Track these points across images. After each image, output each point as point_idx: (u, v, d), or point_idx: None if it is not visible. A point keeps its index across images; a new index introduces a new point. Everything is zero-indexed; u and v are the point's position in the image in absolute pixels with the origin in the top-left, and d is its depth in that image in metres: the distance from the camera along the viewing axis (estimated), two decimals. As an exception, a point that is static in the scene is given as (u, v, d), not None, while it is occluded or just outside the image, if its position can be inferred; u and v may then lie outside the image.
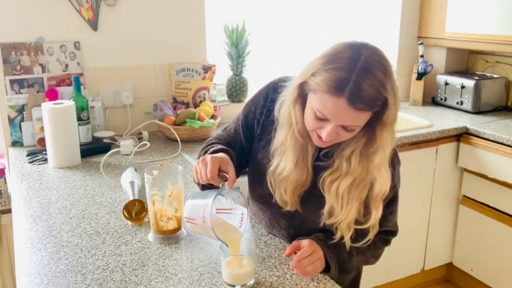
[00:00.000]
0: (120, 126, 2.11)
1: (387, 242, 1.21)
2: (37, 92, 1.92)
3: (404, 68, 2.84)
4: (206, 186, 1.12)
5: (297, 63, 2.37)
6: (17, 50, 1.86)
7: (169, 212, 1.16)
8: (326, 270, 1.09)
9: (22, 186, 1.53)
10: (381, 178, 1.03)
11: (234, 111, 1.50)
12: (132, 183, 1.38)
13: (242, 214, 1.06)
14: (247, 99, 1.73)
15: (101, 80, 2.05)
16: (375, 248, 1.18)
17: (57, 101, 1.72)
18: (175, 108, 2.14)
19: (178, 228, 1.19)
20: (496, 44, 2.34)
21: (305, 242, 1.09)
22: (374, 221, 1.06)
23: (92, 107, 1.99)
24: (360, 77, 0.92)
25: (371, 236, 1.08)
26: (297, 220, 1.18)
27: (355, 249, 1.13)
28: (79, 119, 1.81)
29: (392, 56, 2.81)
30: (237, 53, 2.29)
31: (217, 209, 1.05)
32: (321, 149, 1.11)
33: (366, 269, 1.34)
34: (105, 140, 1.94)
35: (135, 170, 1.56)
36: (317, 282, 1.03)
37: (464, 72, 2.79)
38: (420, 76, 2.73)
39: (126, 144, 1.83)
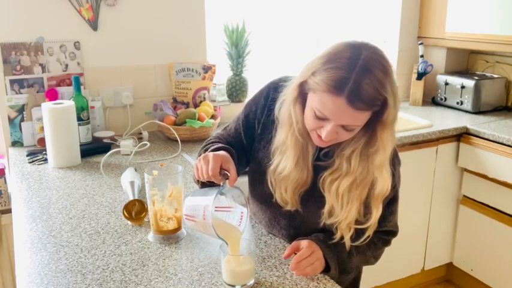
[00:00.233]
0: (120, 126, 2.11)
1: (387, 242, 1.21)
2: (37, 92, 1.92)
3: (404, 68, 2.84)
4: (206, 184, 1.12)
5: (297, 63, 2.37)
6: (17, 50, 1.86)
7: (169, 212, 1.16)
8: (326, 271, 1.09)
9: (22, 186, 1.53)
10: (382, 178, 1.03)
11: (234, 111, 1.50)
12: (132, 183, 1.38)
13: (242, 213, 1.06)
14: (247, 99, 1.74)
15: (101, 80, 2.05)
16: (375, 248, 1.18)
17: (57, 101, 1.72)
18: (175, 108, 2.14)
19: (178, 228, 1.19)
20: (496, 44, 2.34)
21: (304, 243, 1.09)
22: (374, 221, 1.06)
23: (92, 107, 1.99)
24: (359, 77, 0.92)
25: (369, 233, 1.08)
26: (297, 220, 1.18)
27: (355, 249, 1.13)
28: (79, 119, 1.81)
29: (392, 56, 2.81)
30: (237, 53, 2.29)
31: (216, 207, 1.04)
32: (321, 149, 1.11)
33: (366, 269, 1.34)
34: (105, 140, 1.94)
35: (135, 170, 1.56)
36: (317, 282, 1.03)
37: (464, 72, 2.79)
38: (420, 76, 2.73)
39: (126, 144, 1.83)
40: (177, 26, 2.16)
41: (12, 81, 1.88)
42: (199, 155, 1.19)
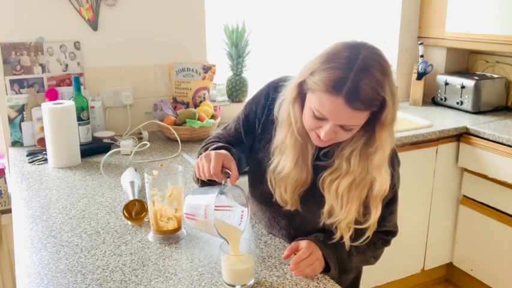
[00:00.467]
0: (120, 126, 2.11)
1: (387, 243, 1.21)
2: (37, 92, 1.92)
3: (404, 68, 2.84)
4: (205, 183, 1.12)
5: (297, 63, 2.37)
6: (17, 50, 1.86)
7: (169, 212, 1.16)
8: (326, 271, 1.09)
9: (22, 186, 1.53)
10: (381, 178, 1.03)
11: (234, 111, 1.50)
12: (132, 183, 1.38)
13: (242, 212, 1.06)
14: (247, 99, 1.74)
15: (101, 80, 2.05)
16: (375, 248, 1.18)
17: (57, 101, 1.72)
18: (175, 108, 2.14)
19: (178, 228, 1.19)
20: (496, 44, 2.34)
21: (303, 244, 1.09)
22: (373, 221, 1.06)
23: (92, 107, 1.99)
24: (357, 77, 0.92)
25: (369, 233, 1.08)
26: (297, 220, 1.18)
27: (354, 249, 1.13)
28: (79, 119, 1.81)
29: (392, 56, 2.81)
30: (237, 53, 2.29)
31: (216, 206, 1.04)
32: (320, 149, 1.11)
33: (366, 269, 1.34)
34: (105, 140, 1.94)
35: (135, 170, 1.56)
36: (317, 282, 1.03)
37: (464, 72, 2.79)
38: (420, 76, 2.73)
39: (126, 144, 1.83)
40: (177, 26, 2.16)
41: (12, 81, 1.88)
42: (199, 155, 1.19)
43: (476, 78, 2.53)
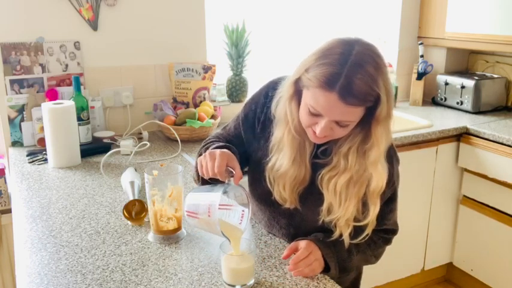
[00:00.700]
0: (120, 126, 2.11)
1: (388, 241, 1.21)
2: (37, 92, 1.92)
3: (404, 68, 2.84)
4: (206, 182, 1.12)
5: (297, 63, 2.37)
6: (17, 50, 1.86)
7: (169, 212, 1.16)
8: (326, 270, 1.09)
9: (22, 186, 1.53)
10: (377, 174, 1.03)
11: (234, 111, 1.50)
12: (132, 183, 1.38)
13: (243, 211, 1.06)
14: (247, 99, 1.73)
15: (101, 80, 2.05)
16: (375, 247, 1.18)
17: (57, 101, 1.72)
18: (175, 108, 2.14)
19: (178, 228, 1.19)
20: (496, 44, 2.34)
21: (302, 244, 1.09)
22: (372, 218, 1.06)
23: (92, 107, 1.99)
24: (351, 72, 0.92)
25: (368, 231, 1.08)
26: (297, 219, 1.18)
27: (355, 248, 1.13)
28: (79, 119, 1.81)
29: (392, 56, 2.81)
30: (237, 53, 2.29)
31: (197, 205, 1.03)
32: (319, 147, 1.11)
33: (366, 269, 1.34)
34: (105, 140, 1.94)
35: (135, 170, 1.56)
36: (317, 282, 1.03)
37: (464, 72, 2.79)
38: (420, 76, 2.73)
39: (126, 144, 1.83)
40: (177, 26, 2.16)
41: (12, 81, 1.88)
42: (199, 155, 1.19)
43: (476, 78, 2.53)
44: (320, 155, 1.11)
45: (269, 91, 1.19)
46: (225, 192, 1.04)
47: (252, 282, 1.01)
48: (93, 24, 1.99)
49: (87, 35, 1.99)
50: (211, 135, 1.30)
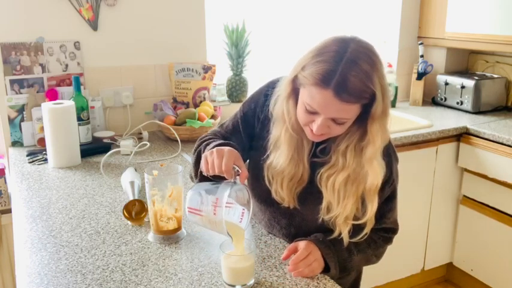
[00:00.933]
0: (120, 126, 2.11)
1: (388, 240, 1.21)
2: (37, 92, 1.92)
3: (404, 68, 2.84)
4: (204, 179, 1.11)
5: (294, 62, 2.37)
6: (17, 50, 1.86)
7: (169, 212, 1.16)
8: (326, 271, 1.09)
9: (22, 186, 1.53)
10: (373, 170, 1.03)
11: (234, 111, 1.50)
12: (132, 183, 1.38)
13: (243, 210, 1.05)
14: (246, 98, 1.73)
15: (101, 80, 2.05)
16: (376, 246, 1.18)
17: (57, 101, 1.72)
18: (175, 108, 2.14)
19: (178, 228, 1.19)
20: (496, 44, 2.34)
21: (302, 244, 1.09)
22: (370, 215, 1.06)
23: (92, 107, 1.99)
24: (345, 69, 0.93)
25: (368, 229, 1.08)
26: (297, 219, 1.18)
27: (355, 248, 1.13)
28: (79, 119, 1.81)
29: (392, 56, 2.81)
30: (237, 53, 2.29)
31: (201, 202, 1.02)
32: (317, 146, 1.11)
33: (366, 269, 1.34)
34: (105, 140, 1.94)
35: (135, 170, 1.56)
36: (317, 283, 1.03)
37: (464, 72, 2.79)
38: (420, 76, 2.73)
39: (126, 144, 1.83)
40: (177, 26, 2.16)
41: (12, 81, 1.88)
42: (196, 152, 1.18)
43: (476, 78, 2.53)
44: (319, 154, 1.11)
45: (269, 90, 1.19)
46: (231, 191, 1.03)
47: (252, 282, 1.01)
48: (93, 24, 1.98)
49: (87, 35, 1.99)
50: (208, 132, 1.29)
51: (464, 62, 2.85)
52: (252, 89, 2.34)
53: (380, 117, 1.00)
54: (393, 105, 2.70)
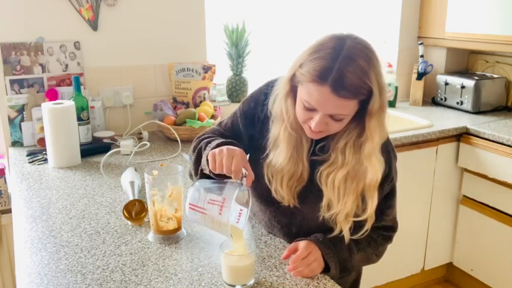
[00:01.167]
0: (120, 126, 2.11)
1: (388, 239, 1.21)
2: (37, 92, 1.92)
3: (404, 68, 2.84)
4: (204, 176, 1.11)
5: (292, 60, 2.37)
6: (17, 50, 1.86)
7: (169, 212, 1.16)
8: (326, 270, 1.09)
9: (22, 186, 1.53)
10: (371, 166, 1.04)
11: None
12: (132, 183, 1.38)
13: (240, 210, 1.05)
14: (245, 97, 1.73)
15: (101, 80, 2.05)
16: (376, 245, 1.18)
17: (57, 101, 1.72)
18: (175, 108, 2.14)
19: (178, 228, 1.19)
20: (496, 44, 2.34)
21: (302, 244, 1.09)
22: (370, 212, 1.06)
23: (92, 107, 1.99)
24: (342, 65, 0.94)
25: (368, 226, 1.08)
26: (298, 218, 1.18)
27: (355, 247, 1.13)
28: (79, 119, 1.81)
29: (392, 56, 2.81)
30: (237, 53, 2.29)
31: (211, 200, 1.02)
32: (317, 144, 1.12)
33: (366, 269, 1.34)
34: (105, 140, 1.94)
35: (135, 170, 1.56)
36: (317, 282, 1.03)
37: (464, 72, 2.79)
38: (420, 76, 2.73)
39: (126, 144, 1.83)
40: (177, 26, 2.16)
41: (12, 81, 1.88)
42: (194, 150, 1.18)
43: (476, 78, 2.53)
44: (318, 152, 1.11)
45: (268, 89, 1.19)
46: (221, 190, 1.03)
47: (252, 282, 1.01)
48: (93, 24, 1.98)
49: (87, 35, 1.99)
50: (206, 130, 1.29)
51: (464, 62, 2.85)
52: (251, 89, 2.34)
53: (377, 113, 1.01)
54: (393, 105, 2.70)
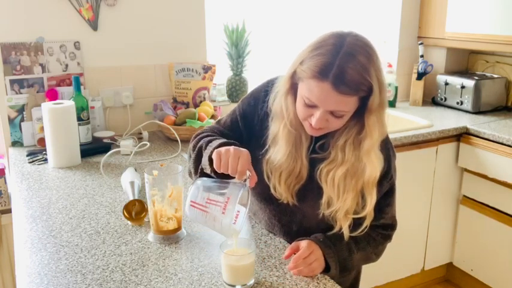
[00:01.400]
0: (120, 126, 2.11)
1: (387, 237, 1.21)
2: (37, 92, 1.92)
3: (404, 68, 2.84)
4: (205, 174, 1.11)
5: (292, 57, 2.37)
6: (17, 50, 1.86)
7: (169, 212, 1.16)
8: (327, 270, 1.09)
9: (22, 186, 1.53)
10: (370, 162, 1.04)
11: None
12: (132, 183, 1.38)
13: (238, 211, 1.05)
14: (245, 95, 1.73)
15: (101, 80, 2.05)
16: (375, 244, 1.18)
17: (57, 101, 1.72)
18: (175, 108, 2.14)
19: (178, 228, 1.19)
20: (496, 44, 2.34)
21: (303, 243, 1.09)
22: (369, 209, 1.07)
23: (92, 107, 1.99)
24: (343, 62, 0.95)
25: (367, 223, 1.09)
26: (298, 215, 1.18)
27: (355, 246, 1.13)
28: (79, 119, 1.81)
29: (392, 56, 2.81)
30: (237, 53, 2.29)
31: (208, 199, 1.02)
32: (316, 141, 1.12)
33: (366, 269, 1.34)
34: (105, 140, 1.94)
35: (135, 170, 1.56)
36: (317, 282, 1.03)
37: (464, 72, 2.79)
38: (420, 76, 2.73)
39: (126, 144, 1.83)
40: (177, 26, 2.16)
41: (12, 81, 1.88)
42: (194, 148, 1.17)
43: (476, 78, 2.53)
44: (318, 150, 1.12)
45: (268, 88, 1.19)
46: (220, 190, 1.03)
47: (252, 282, 1.01)
48: (93, 24, 1.99)
49: (87, 35, 1.99)
50: (205, 128, 1.28)
51: (464, 62, 2.85)
52: (251, 89, 2.35)
53: (377, 110, 1.01)
54: (393, 105, 2.70)
